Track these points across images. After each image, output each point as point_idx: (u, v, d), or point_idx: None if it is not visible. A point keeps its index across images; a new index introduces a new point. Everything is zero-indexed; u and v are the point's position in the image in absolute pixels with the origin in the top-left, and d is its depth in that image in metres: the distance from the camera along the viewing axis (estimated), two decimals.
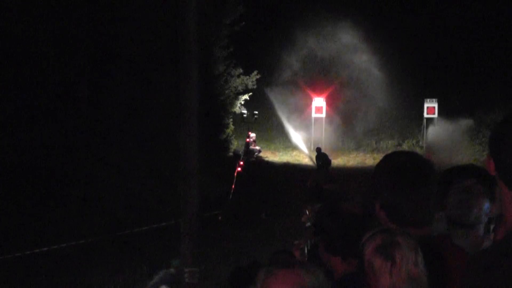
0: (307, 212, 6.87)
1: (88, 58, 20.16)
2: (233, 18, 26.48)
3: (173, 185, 15.47)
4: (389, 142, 30.40)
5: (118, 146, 19.18)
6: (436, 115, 28.02)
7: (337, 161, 26.46)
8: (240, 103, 28.41)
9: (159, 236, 14.31)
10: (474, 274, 1.44)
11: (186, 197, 4.75)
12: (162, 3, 20.85)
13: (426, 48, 32.55)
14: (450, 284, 2.08)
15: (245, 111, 27.76)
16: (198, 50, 4.84)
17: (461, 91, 30.01)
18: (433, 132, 27.86)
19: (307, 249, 5.57)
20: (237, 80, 27.79)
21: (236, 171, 21.88)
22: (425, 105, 28.22)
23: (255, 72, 28.22)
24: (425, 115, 28.32)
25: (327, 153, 24.52)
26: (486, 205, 2.41)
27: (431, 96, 28.26)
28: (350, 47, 32.38)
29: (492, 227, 2.42)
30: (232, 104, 27.98)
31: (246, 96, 28.35)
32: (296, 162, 27.46)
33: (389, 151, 2.55)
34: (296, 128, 31.25)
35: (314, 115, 30.16)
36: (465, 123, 27.85)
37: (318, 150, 24.41)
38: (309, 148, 29.08)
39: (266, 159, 27.79)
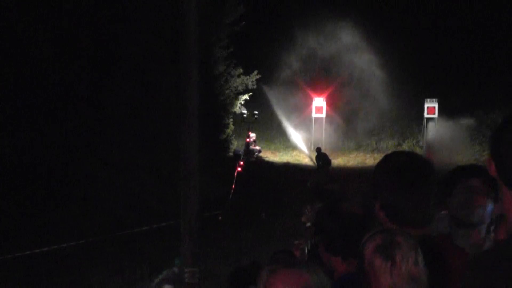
0: (307, 212, 6.86)
1: (88, 58, 20.15)
2: (233, 18, 26.47)
3: (173, 185, 15.47)
4: (389, 142, 30.39)
5: (118, 146, 19.18)
6: (436, 115, 28.00)
7: (337, 161, 26.46)
8: (240, 103, 28.40)
9: (159, 236, 14.31)
10: (476, 275, 1.44)
11: (186, 197, 4.75)
12: (162, 3, 20.85)
13: (426, 48, 32.55)
14: (450, 283, 2.08)
15: (245, 111, 27.75)
16: (198, 50, 4.84)
17: (461, 91, 29.99)
18: (433, 132, 27.85)
19: (307, 249, 5.56)
20: (237, 80, 27.78)
21: (236, 171, 21.88)
22: (425, 105, 28.21)
23: (255, 72, 28.21)
24: (425, 115, 28.31)
25: (327, 153, 24.52)
26: (490, 205, 2.41)
27: (431, 96, 28.26)
28: (350, 47, 32.37)
29: (492, 227, 2.42)
30: (232, 104, 27.97)
31: (246, 96, 28.35)
32: (296, 162, 27.46)
33: (389, 151, 2.55)
34: (296, 128, 31.25)
35: (314, 115, 30.17)
36: (466, 123, 27.83)
37: (318, 150, 24.42)
38: (309, 148, 29.08)
39: (266, 159, 27.79)
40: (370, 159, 26.77)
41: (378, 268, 1.88)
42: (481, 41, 32.01)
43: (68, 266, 12.49)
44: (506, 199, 1.52)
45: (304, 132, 30.70)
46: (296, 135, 30.86)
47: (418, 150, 26.27)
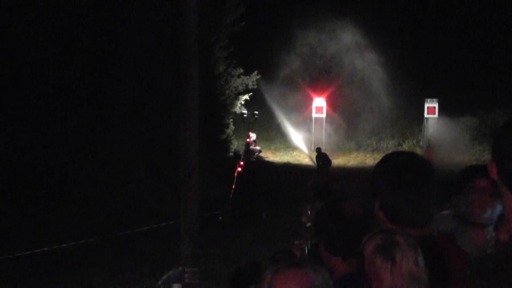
0: (308, 212, 6.87)
1: (88, 58, 20.15)
2: (233, 18, 26.47)
3: (173, 185, 15.46)
4: (390, 142, 30.40)
5: (118, 146, 19.18)
6: (436, 115, 28.01)
7: (338, 161, 26.46)
8: (241, 103, 28.40)
9: (159, 236, 14.31)
10: (482, 277, 1.44)
11: (186, 197, 4.75)
12: (163, 3, 20.85)
13: (426, 48, 32.56)
14: (450, 283, 2.08)
15: (245, 111, 27.75)
16: (198, 50, 4.83)
17: (461, 91, 30.00)
18: (433, 132, 27.85)
19: (307, 249, 5.56)
20: (238, 80, 27.79)
21: (237, 171, 21.87)
22: (426, 105, 28.22)
23: (255, 72, 28.21)
24: (426, 115, 28.32)
25: (327, 153, 24.53)
26: (499, 207, 2.40)
27: (431, 96, 28.26)
28: (350, 47, 32.40)
29: (492, 227, 2.42)
30: (233, 104, 27.98)
31: (246, 96, 28.35)
32: (297, 162, 27.46)
33: (390, 151, 2.55)
34: (296, 128, 31.26)
35: (314, 115, 30.18)
36: (466, 123, 27.84)
37: (318, 150, 24.43)
38: (309, 148, 29.09)
39: (267, 159, 27.79)
40: (370, 159, 26.78)
41: (379, 268, 1.88)
42: (481, 41, 32.01)
43: (68, 266, 12.49)
44: (507, 201, 1.52)
45: (304, 132, 30.72)
46: (296, 135, 30.86)
47: (418, 150, 26.29)
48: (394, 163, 2.22)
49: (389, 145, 29.70)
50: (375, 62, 31.87)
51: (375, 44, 31.29)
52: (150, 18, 20.91)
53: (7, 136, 17.39)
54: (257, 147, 27.62)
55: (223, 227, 15.65)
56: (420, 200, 2.13)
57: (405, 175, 2.15)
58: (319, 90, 30.91)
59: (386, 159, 2.27)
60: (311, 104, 30.61)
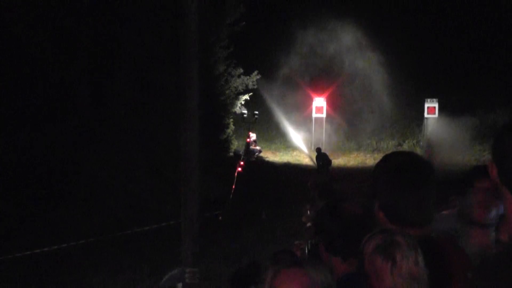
0: (308, 212, 6.87)
1: (89, 58, 20.16)
2: (233, 18, 26.46)
3: (174, 185, 15.46)
4: (390, 142, 30.40)
5: (119, 146, 19.18)
6: (436, 115, 28.03)
7: (338, 161, 26.46)
8: (241, 103, 28.39)
9: (159, 236, 14.31)
10: (482, 277, 1.44)
11: (187, 197, 4.75)
12: (163, 4, 20.85)
13: (426, 48, 32.55)
14: (450, 284, 2.08)
15: (245, 111, 27.76)
16: (198, 50, 4.83)
17: (461, 91, 30.00)
18: (433, 132, 27.86)
19: (307, 249, 5.56)
20: (238, 80, 27.78)
21: (237, 171, 21.87)
22: (426, 105, 28.24)
23: (256, 72, 28.20)
24: (426, 115, 28.33)
25: (327, 153, 24.54)
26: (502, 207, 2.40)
27: (431, 96, 28.27)
28: (350, 47, 32.39)
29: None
30: (233, 104, 27.97)
31: (246, 96, 28.34)
32: (297, 162, 27.45)
33: (390, 151, 2.55)
34: (296, 128, 31.26)
35: (314, 115, 30.19)
36: (466, 123, 27.84)
37: (318, 150, 24.45)
38: (309, 148, 29.09)
39: (267, 159, 27.79)
40: (370, 159, 26.77)
41: (379, 268, 1.88)
42: (481, 41, 32.01)
43: (68, 266, 12.49)
44: (508, 202, 1.52)
45: (305, 132, 30.72)
46: (296, 135, 30.86)
47: (418, 150, 26.28)
48: (394, 163, 2.22)
49: (389, 145, 29.70)
50: (375, 62, 31.87)
51: (375, 44, 31.28)
52: (150, 18, 20.90)
53: (7, 136, 17.39)
54: (257, 147, 27.62)
55: (223, 227, 15.65)
56: (420, 200, 2.13)
57: (405, 175, 2.15)
58: (319, 90, 30.91)
59: (386, 159, 2.27)
60: (311, 104, 30.62)
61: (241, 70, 27.72)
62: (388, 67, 31.43)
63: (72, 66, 19.52)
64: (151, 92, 20.85)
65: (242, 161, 23.99)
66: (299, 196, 16.19)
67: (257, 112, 27.39)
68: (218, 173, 20.55)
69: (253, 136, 27.32)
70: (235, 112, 28.25)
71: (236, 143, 28.53)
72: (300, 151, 29.41)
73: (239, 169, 22.17)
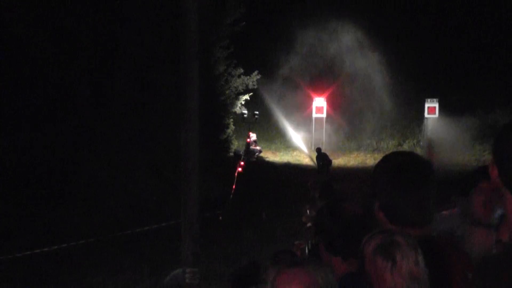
0: (308, 212, 6.87)
1: (89, 58, 20.15)
2: (233, 18, 26.47)
3: (174, 185, 15.47)
4: (390, 142, 30.41)
5: (119, 146, 19.18)
6: (436, 115, 28.03)
7: (338, 161, 26.46)
8: (241, 103, 28.40)
9: (160, 236, 14.31)
10: (483, 277, 1.44)
11: (187, 197, 4.74)
12: (163, 3, 20.85)
13: (427, 48, 32.56)
14: (451, 284, 2.08)
15: (245, 111, 27.76)
16: (198, 50, 4.83)
17: (462, 91, 30.01)
18: (433, 132, 27.87)
19: (307, 249, 5.56)
20: (238, 80, 27.78)
21: (237, 171, 21.88)
22: (426, 105, 28.24)
23: (256, 72, 28.21)
24: (426, 115, 28.33)
25: (327, 153, 24.55)
26: None
27: (431, 96, 28.28)
28: (350, 47, 32.39)
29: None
30: (233, 104, 27.97)
31: (246, 96, 28.35)
32: (297, 162, 27.46)
33: (390, 151, 2.55)
34: (296, 128, 31.27)
35: (314, 115, 30.20)
36: (466, 123, 27.85)
37: (318, 150, 24.46)
38: (309, 148, 29.10)
39: (267, 159, 27.79)
40: (370, 159, 26.77)
41: (379, 268, 1.88)
42: (481, 41, 32.01)
43: (68, 266, 12.48)
44: (508, 202, 1.52)
45: (305, 132, 30.73)
46: (296, 135, 30.87)
47: (418, 150, 26.28)
48: (394, 163, 2.22)
49: (390, 145, 29.71)
50: (376, 62, 31.87)
51: (376, 44, 31.29)
52: (150, 18, 20.91)
53: (7, 136, 17.39)
54: (258, 147, 27.62)
55: (223, 227, 15.65)
56: (420, 200, 2.13)
57: (405, 175, 2.15)
58: (319, 90, 30.92)
59: (386, 159, 2.27)
60: (311, 104, 30.63)
61: (241, 70, 27.72)
62: (388, 67, 31.44)
63: (72, 66, 19.52)
64: (151, 92, 20.85)
65: (242, 161, 24.00)
66: (299, 196, 16.20)
67: (257, 112, 27.39)
68: (218, 173, 20.56)
69: (253, 136, 27.33)
70: (235, 112, 28.25)
71: (236, 143, 28.54)
72: (300, 151, 29.42)
73: (239, 169, 22.18)
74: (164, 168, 19.35)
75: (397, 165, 2.19)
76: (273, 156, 28.67)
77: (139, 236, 14.56)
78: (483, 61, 31.45)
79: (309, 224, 6.20)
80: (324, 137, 29.65)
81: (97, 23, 20.13)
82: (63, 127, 18.61)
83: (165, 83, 20.32)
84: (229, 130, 27.65)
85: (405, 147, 29.19)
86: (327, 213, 2.59)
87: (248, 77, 28.01)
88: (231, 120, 27.94)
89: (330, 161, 23.54)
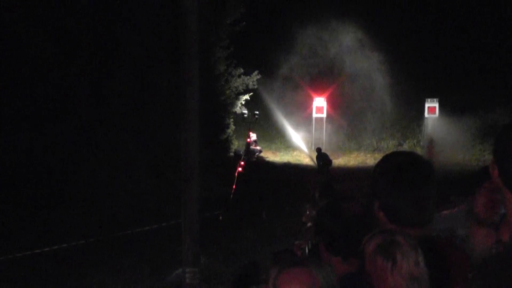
0: (308, 212, 6.85)
1: (89, 58, 20.15)
2: (233, 18, 26.46)
3: (174, 185, 15.47)
4: (390, 142, 30.41)
5: (119, 146, 19.18)
6: (437, 115, 28.02)
7: (338, 161, 26.45)
8: (241, 103, 28.39)
9: (160, 236, 14.30)
10: (483, 277, 1.44)
11: (187, 197, 4.75)
12: (163, 3, 20.85)
13: (427, 48, 32.55)
14: (451, 283, 2.08)
15: (245, 111, 27.75)
16: (199, 50, 4.83)
17: (462, 91, 29.99)
18: (434, 132, 27.87)
19: (307, 249, 5.55)
20: (238, 80, 27.77)
21: (237, 171, 21.87)
22: (426, 105, 28.24)
23: (256, 72, 28.20)
24: (426, 115, 28.33)
25: (328, 153, 24.54)
26: None
27: (432, 96, 28.27)
28: (351, 47, 32.39)
29: None
30: (233, 104, 27.96)
31: (246, 96, 28.34)
32: (297, 162, 27.46)
33: (390, 151, 2.55)
34: (296, 128, 31.27)
35: (315, 115, 30.20)
36: (466, 123, 27.85)
37: (318, 150, 24.46)
38: (309, 148, 29.10)
39: (267, 159, 27.79)
40: (370, 159, 26.77)
41: (379, 268, 1.88)
42: (481, 41, 32.01)
43: (68, 266, 12.48)
44: (509, 202, 1.52)
45: (305, 132, 30.72)
46: (296, 135, 30.87)
47: (419, 150, 26.28)
48: (394, 163, 2.22)
49: (390, 145, 29.71)
50: (376, 62, 31.87)
51: (376, 43, 31.28)
52: (150, 18, 20.90)
53: (7, 136, 17.39)
54: (258, 147, 27.63)
55: (223, 227, 15.64)
56: (420, 200, 2.13)
57: (405, 175, 2.15)
58: (319, 90, 30.91)
59: (386, 159, 2.27)
60: (311, 104, 30.62)
61: (242, 70, 27.71)
62: (388, 66, 31.44)
63: (72, 66, 19.51)
64: (151, 92, 20.85)
65: (242, 161, 23.98)
66: (300, 196, 16.19)
67: (257, 112, 27.38)
68: (219, 173, 20.56)
69: (253, 136, 27.33)
70: (235, 112, 28.25)
71: (237, 143, 28.53)
72: (301, 151, 29.41)
73: (240, 169, 22.16)
74: (164, 168, 19.34)
75: (397, 165, 2.19)
76: (273, 156, 28.66)
77: (139, 236, 14.55)
78: (483, 61, 31.44)
79: (309, 224, 6.19)
80: (324, 137, 29.65)
81: (97, 23, 20.13)
82: (63, 127, 18.61)
83: (165, 83, 20.33)
84: (229, 130, 27.64)
85: (405, 147, 29.18)
86: (328, 213, 2.59)
87: (248, 77, 28.00)
88: (231, 120, 27.93)
89: (330, 161, 23.54)
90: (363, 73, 32.44)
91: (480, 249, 2.32)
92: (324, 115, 30.03)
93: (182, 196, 4.76)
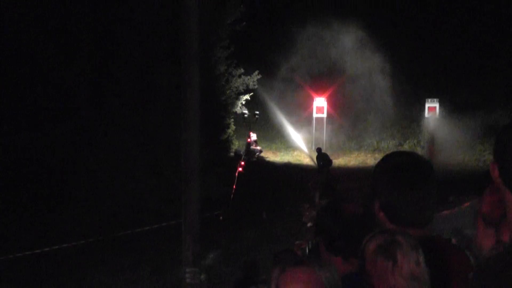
0: (306, 212, 6.86)
1: (89, 58, 20.16)
2: (234, 18, 26.45)
3: (174, 185, 15.47)
4: (390, 142, 30.40)
5: (119, 146, 19.18)
6: (437, 115, 28.01)
7: (338, 161, 26.45)
8: (241, 103, 28.38)
9: (160, 236, 14.31)
10: (483, 277, 1.44)
11: (187, 197, 4.75)
12: (163, 3, 20.85)
13: (427, 48, 32.55)
14: (451, 284, 2.08)
15: (246, 111, 27.75)
16: (199, 50, 4.83)
17: (462, 91, 30.00)
18: (434, 132, 27.86)
19: (308, 249, 5.55)
20: (238, 80, 27.75)
21: (237, 171, 21.86)
22: (426, 105, 28.22)
23: (256, 72, 28.18)
24: (426, 115, 28.31)
25: (328, 153, 24.52)
26: None
27: (432, 96, 28.27)
28: (351, 47, 32.37)
29: None
30: (233, 104, 27.95)
31: (247, 96, 28.32)
32: (297, 162, 27.45)
33: (390, 151, 2.54)
34: (297, 128, 31.26)
35: (315, 115, 30.18)
36: (467, 123, 27.84)
37: (319, 150, 24.42)
38: (310, 148, 29.09)
39: (267, 159, 27.78)
40: (371, 159, 26.76)
41: (380, 268, 1.88)
42: (481, 41, 32.01)
43: (68, 266, 12.49)
44: (509, 202, 1.52)
45: (305, 132, 30.72)
46: (297, 135, 30.86)
47: (419, 150, 26.27)
48: (394, 163, 2.21)
49: (390, 145, 29.70)
50: (376, 62, 31.85)
51: (376, 44, 31.26)
52: (150, 18, 20.90)
53: (7, 136, 17.39)
54: (258, 147, 27.62)
55: (223, 227, 15.64)
56: (420, 200, 2.13)
57: (405, 175, 2.14)
58: (320, 90, 30.89)
59: (386, 159, 2.26)
60: (312, 104, 30.60)
61: (242, 70, 27.69)
62: (389, 66, 31.42)
63: (72, 66, 19.52)
64: (151, 92, 20.85)
65: (242, 161, 23.98)
66: (300, 196, 16.20)
67: (257, 112, 27.38)
68: (219, 173, 20.55)
69: (253, 136, 27.32)
70: (235, 112, 28.24)
71: (237, 143, 28.53)
72: (301, 151, 29.41)
73: (240, 169, 22.16)
74: (164, 168, 19.34)
75: (397, 165, 2.19)
76: (273, 156, 28.66)
77: (139, 236, 14.56)
78: (483, 61, 31.44)
79: (309, 224, 6.19)
80: (325, 137, 29.64)
81: (97, 23, 20.14)
82: (63, 127, 18.62)
83: (165, 83, 20.32)
84: (229, 130, 27.63)
85: (406, 147, 29.17)
86: (328, 213, 2.59)
87: (249, 77, 27.98)
88: (232, 120, 27.92)
89: (330, 161, 23.51)
90: (363, 73, 32.42)
91: (488, 249, 2.31)
92: (324, 115, 30.01)
93: (183, 196, 4.76)
